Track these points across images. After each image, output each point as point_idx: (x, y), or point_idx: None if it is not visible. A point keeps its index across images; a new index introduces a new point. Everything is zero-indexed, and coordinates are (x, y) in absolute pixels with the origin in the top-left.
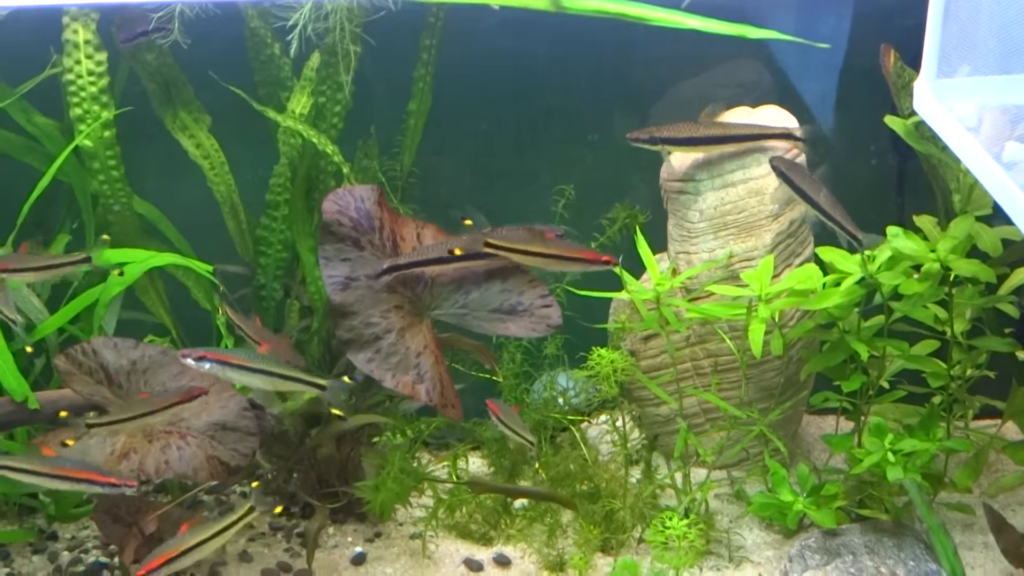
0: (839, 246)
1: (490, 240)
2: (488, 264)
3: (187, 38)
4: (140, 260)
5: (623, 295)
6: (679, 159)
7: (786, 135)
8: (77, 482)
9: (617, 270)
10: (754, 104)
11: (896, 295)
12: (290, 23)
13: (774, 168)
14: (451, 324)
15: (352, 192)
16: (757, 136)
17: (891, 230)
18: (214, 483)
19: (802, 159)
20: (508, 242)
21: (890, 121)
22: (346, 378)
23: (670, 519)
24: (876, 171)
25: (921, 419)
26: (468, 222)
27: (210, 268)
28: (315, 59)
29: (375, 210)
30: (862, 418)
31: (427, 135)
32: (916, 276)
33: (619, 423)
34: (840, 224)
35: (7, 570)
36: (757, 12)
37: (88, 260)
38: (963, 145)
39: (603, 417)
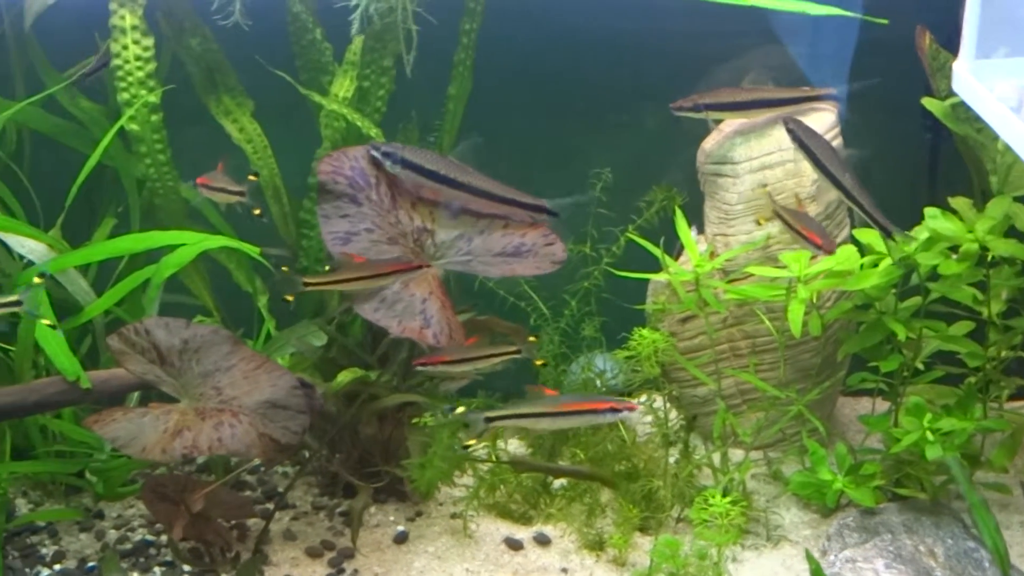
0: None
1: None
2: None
3: (248, 20)
4: (193, 242)
5: (661, 276)
6: (715, 140)
7: (828, 96)
8: (580, 415)
9: (657, 251)
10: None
11: (933, 276)
12: (353, 2)
13: (788, 130)
14: (458, 272)
15: (346, 153)
16: (799, 99)
17: (929, 211)
18: (258, 462)
19: (831, 119)
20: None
21: (927, 103)
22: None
23: (713, 497)
24: (909, 153)
25: (958, 399)
26: None
27: (258, 250)
28: (357, 43)
29: (370, 168)
30: (898, 398)
31: (465, 117)
32: (954, 257)
33: (657, 404)
34: (862, 206)
35: (55, 547)
36: None
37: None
38: (1006, 125)
39: (642, 398)
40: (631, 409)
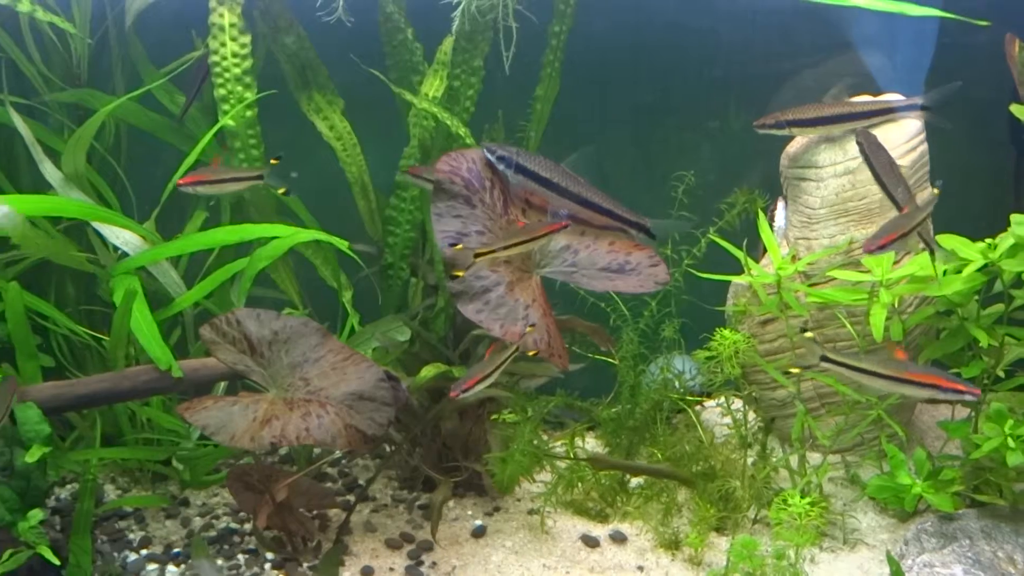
0: (961, 234)
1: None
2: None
3: (351, 17)
4: (286, 236)
5: (743, 279)
6: (799, 144)
7: (912, 106)
8: (921, 387)
9: (739, 253)
10: (875, 92)
11: (1017, 282)
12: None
13: (858, 143)
14: (558, 281)
15: (464, 154)
16: (882, 111)
17: (1015, 217)
18: (340, 454)
19: (916, 127)
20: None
21: (1015, 109)
22: None
23: (792, 498)
24: (995, 159)
25: None
26: None
27: (347, 244)
28: (448, 43)
29: (485, 171)
30: (979, 405)
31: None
32: None
33: (734, 406)
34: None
35: (142, 533)
36: None
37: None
38: None
39: (720, 399)
40: (974, 394)
